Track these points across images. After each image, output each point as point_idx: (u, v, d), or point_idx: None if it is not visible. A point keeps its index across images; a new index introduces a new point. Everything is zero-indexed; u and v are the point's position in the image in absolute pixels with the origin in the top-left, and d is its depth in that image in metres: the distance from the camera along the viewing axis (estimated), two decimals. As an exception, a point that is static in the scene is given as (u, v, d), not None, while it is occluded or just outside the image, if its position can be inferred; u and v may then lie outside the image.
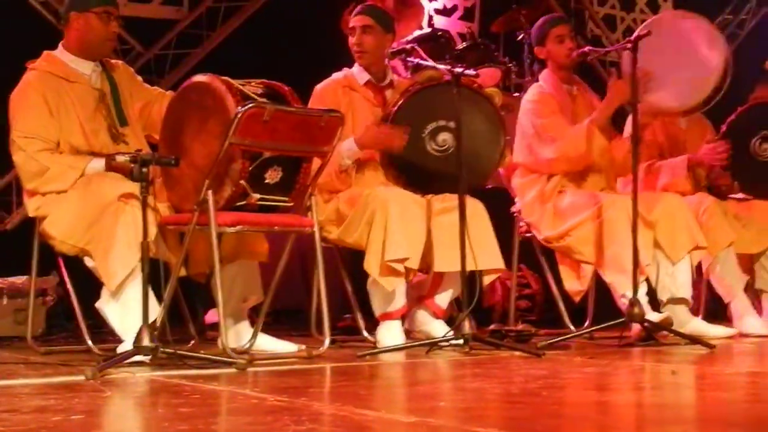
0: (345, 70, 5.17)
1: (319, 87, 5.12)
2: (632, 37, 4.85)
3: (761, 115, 5.86)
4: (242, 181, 4.13)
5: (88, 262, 4.27)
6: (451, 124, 4.74)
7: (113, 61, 4.82)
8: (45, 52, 4.64)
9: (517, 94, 6.73)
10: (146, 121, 4.73)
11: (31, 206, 4.45)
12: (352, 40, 5.11)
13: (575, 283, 5.24)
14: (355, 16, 5.14)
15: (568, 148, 5.23)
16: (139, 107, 4.73)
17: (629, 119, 5.34)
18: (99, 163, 4.38)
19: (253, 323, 4.61)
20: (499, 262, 4.84)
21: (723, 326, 5.29)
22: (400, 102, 4.92)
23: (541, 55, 5.53)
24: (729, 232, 5.48)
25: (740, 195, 5.81)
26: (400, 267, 4.61)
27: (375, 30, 5.08)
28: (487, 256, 4.74)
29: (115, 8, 4.63)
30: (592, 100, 5.58)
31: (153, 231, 4.09)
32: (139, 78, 4.86)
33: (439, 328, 4.83)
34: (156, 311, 4.05)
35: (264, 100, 4.13)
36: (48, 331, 5.34)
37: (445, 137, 4.87)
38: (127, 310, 4.13)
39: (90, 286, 4.33)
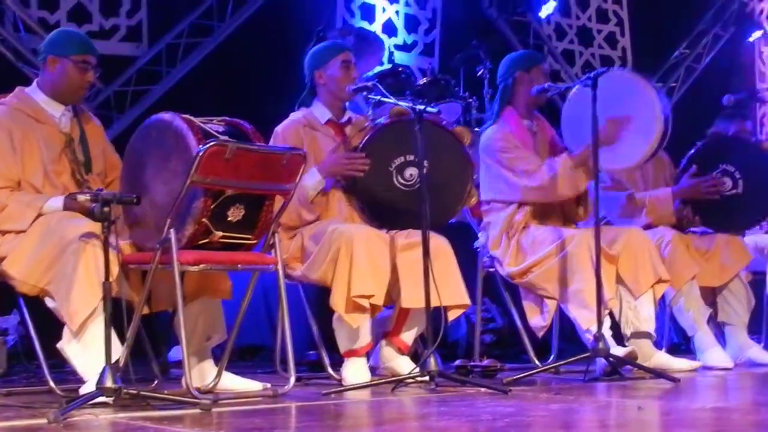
0: (303, 110, 5.16)
1: (279, 128, 5.09)
2: (591, 74, 4.87)
3: (721, 149, 5.91)
4: (204, 219, 4.10)
5: (49, 302, 4.20)
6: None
7: (89, 113, 4.78)
8: (18, 88, 4.59)
9: (477, 129, 6.75)
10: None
11: (-9, 247, 4.39)
12: (348, 74, 5.06)
13: (539, 319, 5.24)
14: (346, 52, 5.12)
15: (550, 180, 5.23)
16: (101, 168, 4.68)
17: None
18: (57, 202, 4.31)
19: (217, 361, 4.57)
20: (464, 298, 4.83)
21: (687, 359, 5.30)
22: (369, 135, 4.92)
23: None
24: (692, 265, 5.52)
25: (700, 228, 5.86)
26: (365, 303, 4.60)
27: None
28: (451, 291, 4.73)
29: (95, 57, 4.58)
30: (551, 134, 5.60)
31: (115, 270, 4.04)
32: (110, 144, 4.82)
33: (404, 365, 4.82)
34: (118, 351, 4.00)
35: (226, 138, 4.10)
36: (9, 370, 5.27)
37: (412, 172, 4.86)
38: (89, 351, 4.07)
39: (51, 325, 4.26)
